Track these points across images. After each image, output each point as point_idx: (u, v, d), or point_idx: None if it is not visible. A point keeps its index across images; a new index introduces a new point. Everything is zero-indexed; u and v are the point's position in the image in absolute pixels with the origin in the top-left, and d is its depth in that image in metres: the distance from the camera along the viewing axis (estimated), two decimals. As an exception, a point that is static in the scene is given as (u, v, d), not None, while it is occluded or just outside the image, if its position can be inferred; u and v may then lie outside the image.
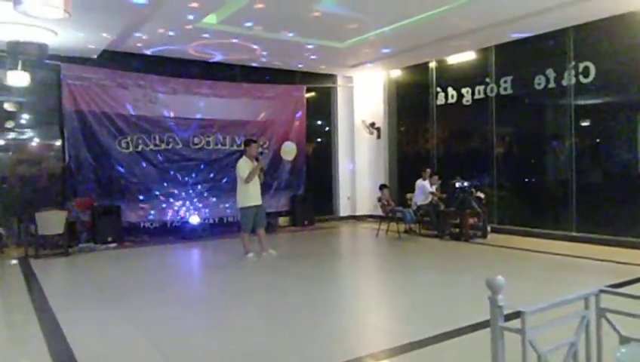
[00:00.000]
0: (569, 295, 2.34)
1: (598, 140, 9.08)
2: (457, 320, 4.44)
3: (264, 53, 10.15)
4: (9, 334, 4.82)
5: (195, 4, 7.23)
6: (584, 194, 8.88)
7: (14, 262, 7.99)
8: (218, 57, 10.39)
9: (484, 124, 10.38)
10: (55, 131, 9.66)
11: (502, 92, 9.97)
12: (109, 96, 9.73)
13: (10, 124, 9.13)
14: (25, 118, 9.68)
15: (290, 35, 9.07)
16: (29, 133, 9.79)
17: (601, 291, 2.42)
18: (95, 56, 9.49)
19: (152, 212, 10.15)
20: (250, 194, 7.78)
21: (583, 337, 2.37)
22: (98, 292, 6.07)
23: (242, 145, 8.79)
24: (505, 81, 9.90)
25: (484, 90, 10.28)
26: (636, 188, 8.26)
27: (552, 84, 9.10)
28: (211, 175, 10.80)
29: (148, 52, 9.80)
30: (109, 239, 9.24)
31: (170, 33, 8.59)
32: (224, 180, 10.63)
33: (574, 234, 8.82)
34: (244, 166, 7.78)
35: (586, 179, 8.95)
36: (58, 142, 9.67)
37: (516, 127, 10.36)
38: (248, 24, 8.42)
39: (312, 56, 10.61)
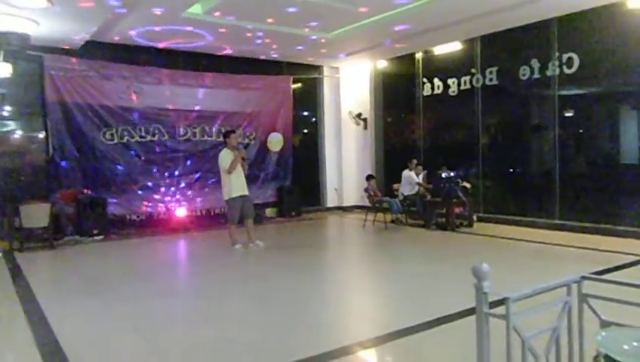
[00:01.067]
0: (552, 281, 2.39)
1: (581, 130, 9.21)
2: (443, 308, 4.51)
3: (249, 43, 10.08)
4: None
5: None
6: (567, 183, 9.02)
7: (-2, 255, 7.91)
8: (203, 48, 10.30)
9: (470, 115, 10.46)
10: (38, 123, 9.51)
11: (487, 82, 10.05)
12: (92, 87, 9.61)
13: (-9, 116, 8.98)
14: (7, 109, 9.50)
15: (276, 25, 9.02)
16: (11, 125, 9.62)
17: (583, 278, 2.48)
18: (78, 47, 9.35)
19: (138, 204, 10.08)
20: (234, 186, 7.77)
21: (565, 322, 2.42)
22: (84, 285, 6.04)
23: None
24: (490, 72, 9.97)
25: (470, 80, 10.35)
26: (618, 177, 8.42)
27: (536, 75, 9.20)
28: (197, 166, 10.75)
29: (132, 43, 9.68)
30: (95, 231, 9.18)
31: (155, 24, 8.50)
32: (210, 171, 10.57)
33: (558, 222, 8.97)
34: (225, 157, 7.76)
35: (570, 168, 9.09)
36: (41, 134, 9.53)
37: (502, 117, 10.46)
38: (233, 14, 8.37)
39: (299, 47, 10.58)
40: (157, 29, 8.80)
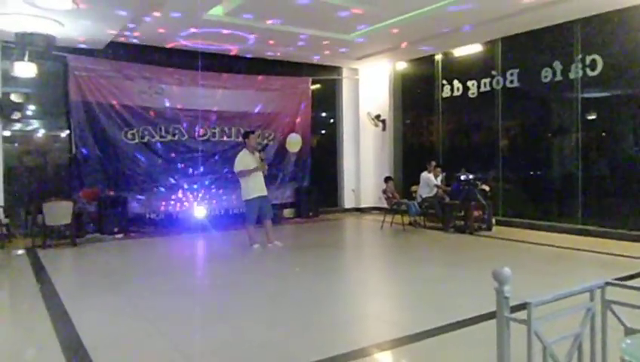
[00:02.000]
0: (575, 287, 2.35)
1: (604, 133, 9.04)
2: (462, 312, 4.46)
3: (269, 45, 10.13)
4: (18, 322, 4.89)
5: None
6: (590, 187, 8.87)
7: (21, 252, 8.06)
8: (223, 49, 10.37)
9: (490, 117, 10.36)
10: (62, 122, 9.71)
11: (508, 85, 9.94)
12: (115, 87, 9.76)
13: (16, 115, 9.15)
14: (31, 109, 9.71)
15: (296, 27, 9.04)
16: (35, 124, 9.84)
17: (607, 283, 2.44)
18: (102, 48, 9.50)
19: (158, 203, 10.20)
20: (252, 187, 7.83)
21: (588, 329, 2.38)
22: (105, 282, 6.12)
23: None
24: (511, 74, 9.86)
25: (490, 82, 10.24)
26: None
27: (558, 77, 9.06)
28: (216, 166, 10.83)
29: (154, 44, 9.79)
30: (115, 230, 9.31)
31: (176, 25, 8.59)
32: (229, 172, 10.60)
33: (580, 226, 8.81)
34: (240, 160, 7.85)
35: (592, 172, 8.94)
36: (65, 133, 9.72)
37: (522, 119, 10.33)
38: (253, 16, 8.42)
39: (318, 49, 10.59)
40: (179, 30, 8.89)
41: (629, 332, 2.29)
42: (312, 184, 12.08)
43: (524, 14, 8.28)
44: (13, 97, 9.16)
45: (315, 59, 11.67)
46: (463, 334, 4.05)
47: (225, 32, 9.09)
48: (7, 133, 9.26)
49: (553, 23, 8.83)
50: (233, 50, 10.51)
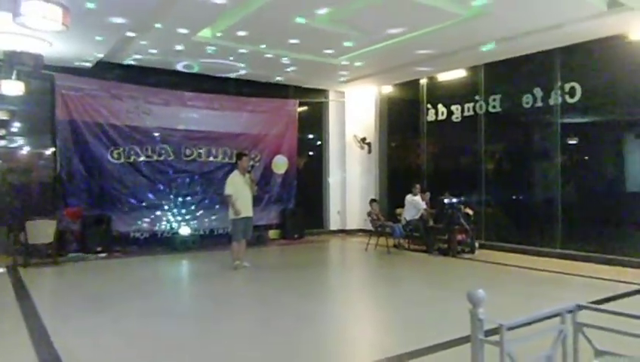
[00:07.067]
0: (547, 310, 2.42)
1: (585, 158, 9.26)
2: (441, 334, 4.50)
3: (257, 67, 10.25)
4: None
5: (189, 18, 7.34)
6: (570, 211, 9.03)
7: (2, 270, 7.94)
8: (212, 70, 10.47)
9: (474, 141, 10.54)
10: (47, 140, 9.67)
11: (491, 110, 10.15)
12: (102, 106, 9.77)
13: (1, 132, 9.11)
14: (17, 126, 9.68)
15: (284, 50, 9.19)
16: (20, 142, 9.80)
17: (578, 306, 2.51)
18: (89, 67, 9.53)
19: (142, 222, 10.15)
20: (239, 207, 7.88)
21: (559, 350, 2.45)
22: (87, 302, 6.06)
23: (234, 159, 8.93)
24: (494, 99, 10.08)
25: (474, 107, 10.45)
26: (621, 205, 8.43)
27: (539, 103, 9.29)
28: (202, 187, 10.83)
29: (142, 64, 9.86)
30: (99, 249, 9.24)
31: (165, 47, 8.68)
32: (215, 193, 10.64)
33: (560, 250, 8.95)
34: (230, 182, 7.96)
35: (572, 196, 9.11)
36: (50, 151, 9.68)
37: (505, 144, 10.53)
38: (242, 39, 8.53)
39: (305, 72, 10.73)
40: (166, 51, 8.98)
41: (598, 354, 2.37)
42: (297, 205, 12.10)
43: (504, 43, 8.52)
44: (-1, 115, 9.13)
45: (303, 81, 11.81)
46: (442, 356, 4.08)
47: (213, 53, 9.18)
48: (-9, 151, 9.21)
49: (533, 51, 9.08)
50: (220, 71, 10.59)
